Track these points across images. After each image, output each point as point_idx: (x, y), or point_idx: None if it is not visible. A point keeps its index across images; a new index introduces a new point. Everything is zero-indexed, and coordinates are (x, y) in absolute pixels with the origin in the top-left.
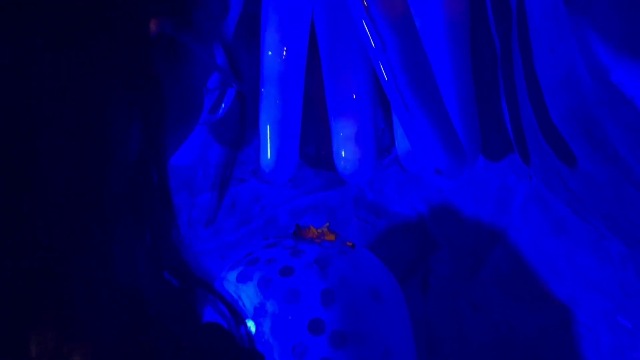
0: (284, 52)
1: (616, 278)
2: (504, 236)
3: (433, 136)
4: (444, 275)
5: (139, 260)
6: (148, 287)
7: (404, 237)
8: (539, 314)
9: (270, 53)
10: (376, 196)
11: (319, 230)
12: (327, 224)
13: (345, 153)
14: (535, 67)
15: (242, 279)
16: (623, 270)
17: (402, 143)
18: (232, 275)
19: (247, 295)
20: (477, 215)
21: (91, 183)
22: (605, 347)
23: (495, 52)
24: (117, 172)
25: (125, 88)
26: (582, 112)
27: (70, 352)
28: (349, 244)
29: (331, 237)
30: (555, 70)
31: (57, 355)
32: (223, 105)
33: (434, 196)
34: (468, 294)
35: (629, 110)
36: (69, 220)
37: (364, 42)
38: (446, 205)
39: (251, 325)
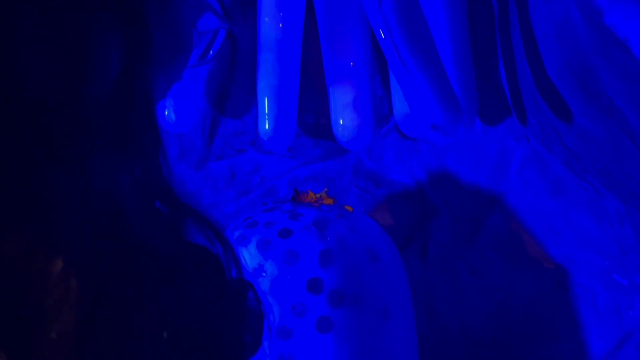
0: (281, 18)
1: (613, 235)
2: (502, 201)
3: (429, 91)
4: (443, 241)
5: (123, 181)
6: (131, 206)
7: (403, 205)
8: (536, 276)
9: (267, 19)
10: (375, 165)
11: (317, 195)
12: (326, 189)
13: (343, 120)
14: (531, 21)
15: (241, 241)
16: (620, 227)
17: (400, 107)
18: (230, 238)
19: (246, 258)
20: (475, 180)
21: (70, 91)
22: (601, 306)
23: (492, 8)
24: (97, 86)
25: (105, 6)
26: (577, 63)
27: (45, 257)
28: (347, 207)
29: (329, 201)
30: (550, 22)
31: (32, 259)
32: (212, 50)
33: (433, 163)
34: (466, 259)
35: (623, 54)
36: (47, 124)
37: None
38: (444, 172)
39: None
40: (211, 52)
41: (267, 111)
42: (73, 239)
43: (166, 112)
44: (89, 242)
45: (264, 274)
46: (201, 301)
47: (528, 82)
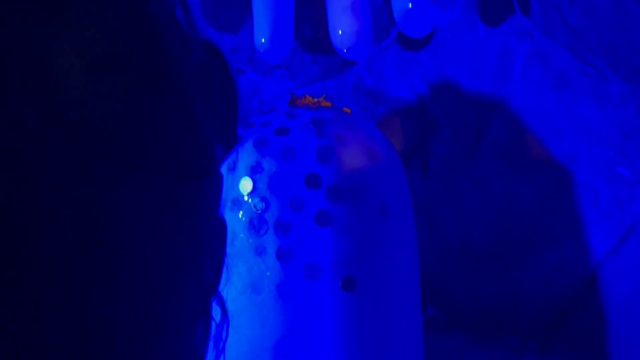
0: None
1: (616, 120)
2: (504, 105)
3: None
4: (444, 154)
5: None
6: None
7: (404, 121)
8: (537, 181)
9: None
10: (375, 81)
11: (315, 99)
12: (324, 95)
13: (342, 27)
14: None
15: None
16: (624, 110)
17: (398, 4)
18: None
19: (243, 156)
20: (477, 87)
21: None
22: (604, 202)
23: None
24: None
25: None
26: None
27: None
28: (346, 109)
29: (327, 104)
30: None
31: None
32: None
33: (434, 73)
34: (468, 170)
35: None
36: None
37: None
38: (446, 81)
39: (248, 182)
40: None
41: (262, 21)
42: None
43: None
44: None
45: (261, 171)
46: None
47: None
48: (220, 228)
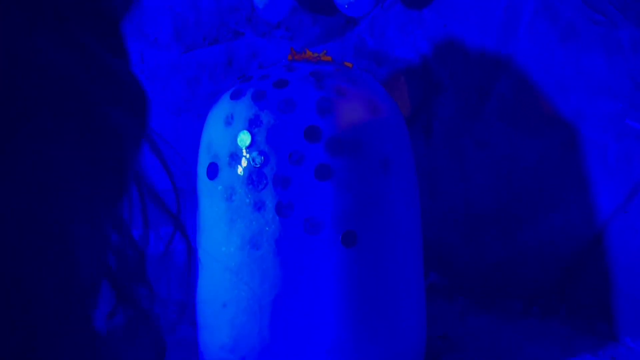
0: None
1: (626, 69)
2: (510, 63)
3: None
4: (447, 116)
5: None
6: None
7: (407, 83)
8: (543, 141)
9: None
10: (377, 42)
11: (315, 54)
12: (325, 51)
13: None
14: None
15: (236, 96)
16: (634, 58)
17: None
18: (226, 96)
19: (241, 110)
20: (482, 45)
21: None
22: (612, 158)
23: None
24: None
25: None
26: None
27: None
28: (347, 64)
29: (328, 58)
30: None
31: None
32: None
33: (438, 32)
34: (472, 132)
35: None
36: None
37: None
38: (450, 40)
39: (246, 136)
40: None
41: None
42: None
43: None
44: None
45: (260, 124)
46: None
47: None
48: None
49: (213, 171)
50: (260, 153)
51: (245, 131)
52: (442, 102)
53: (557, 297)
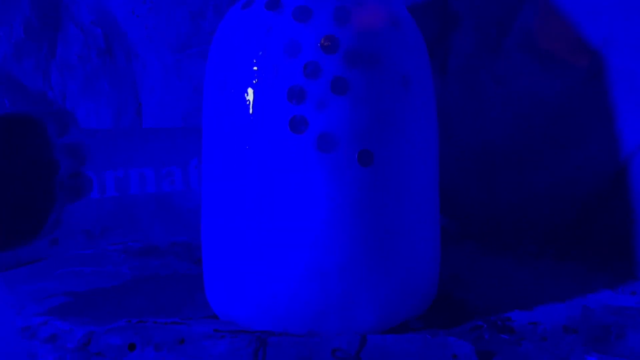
0: None
1: None
2: None
3: None
4: (465, 52)
5: None
6: None
7: (423, 17)
8: (567, 72)
9: None
10: None
11: None
12: None
13: None
14: None
15: (247, 4)
16: None
17: None
18: (236, 6)
19: (253, 19)
20: None
21: None
22: None
23: None
24: None
25: None
26: None
27: None
28: None
29: None
30: None
31: None
32: None
33: None
34: (490, 68)
35: None
36: None
37: None
38: None
39: (259, 46)
40: None
41: None
42: None
43: None
44: None
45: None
46: None
47: None
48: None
49: (223, 85)
50: (274, 64)
51: (258, 41)
52: (460, 37)
53: (573, 239)
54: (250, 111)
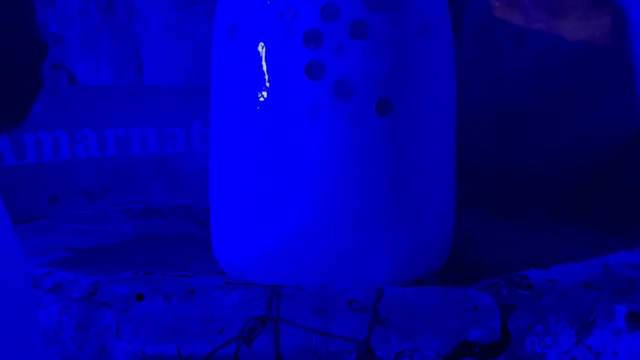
0: None
1: None
2: None
3: None
4: (481, 9)
5: None
6: None
7: None
8: (587, 28)
9: None
10: None
11: None
12: None
13: None
14: None
15: None
16: None
17: None
18: None
19: None
20: None
21: None
22: None
23: None
24: None
25: None
26: None
27: None
28: None
29: None
30: None
31: None
32: None
33: None
34: (507, 25)
35: None
36: None
37: None
38: None
39: None
40: None
41: None
42: None
43: None
44: None
45: None
46: None
47: None
48: None
49: (234, 31)
50: (290, 6)
51: None
52: None
53: (586, 203)
54: (263, 56)
